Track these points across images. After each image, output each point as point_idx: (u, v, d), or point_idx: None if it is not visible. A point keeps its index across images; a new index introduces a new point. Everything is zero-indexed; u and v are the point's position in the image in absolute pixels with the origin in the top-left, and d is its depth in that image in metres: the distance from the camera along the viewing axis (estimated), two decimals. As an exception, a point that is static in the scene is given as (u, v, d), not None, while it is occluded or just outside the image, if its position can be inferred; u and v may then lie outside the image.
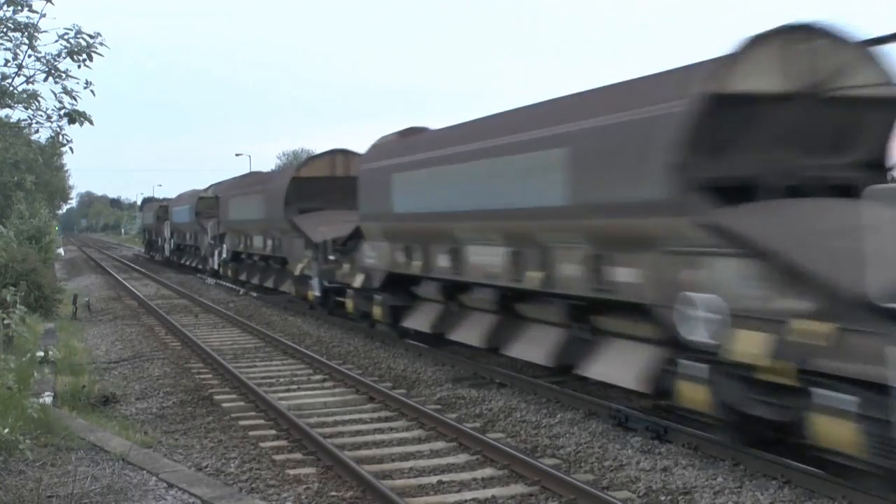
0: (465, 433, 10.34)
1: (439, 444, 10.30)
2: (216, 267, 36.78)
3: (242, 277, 32.65)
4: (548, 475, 8.62)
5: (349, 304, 19.73)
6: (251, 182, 32.32)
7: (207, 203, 39.39)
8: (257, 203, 28.23)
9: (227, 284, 34.21)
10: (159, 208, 56.25)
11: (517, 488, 8.59)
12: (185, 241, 46.13)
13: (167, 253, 52.16)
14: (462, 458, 9.73)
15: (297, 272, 23.58)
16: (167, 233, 51.45)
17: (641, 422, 10.49)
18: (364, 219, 18.18)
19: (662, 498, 8.23)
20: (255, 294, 29.86)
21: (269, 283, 28.76)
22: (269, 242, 27.47)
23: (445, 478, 8.92)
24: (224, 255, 34.89)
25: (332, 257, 20.71)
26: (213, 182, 42.21)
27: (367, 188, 17.91)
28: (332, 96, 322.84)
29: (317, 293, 22.11)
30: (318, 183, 25.04)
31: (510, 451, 9.40)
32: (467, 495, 8.40)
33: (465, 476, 9.01)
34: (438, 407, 12.28)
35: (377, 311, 17.82)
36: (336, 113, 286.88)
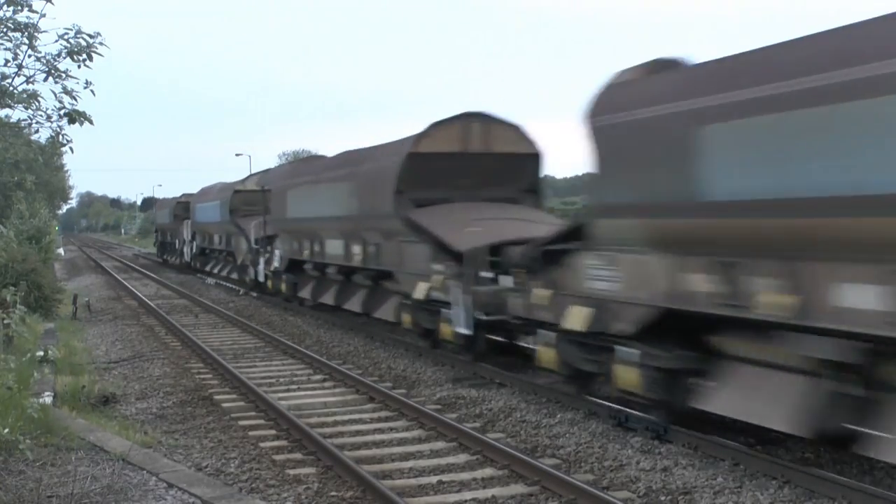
0: (465, 433, 10.34)
1: (439, 444, 10.30)
2: (261, 279, 28.67)
3: (304, 294, 24.40)
4: (548, 475, 8.62)
5: (546, 354, 12.26)
6: (326, 166, 23.04)
7: (246, 198, 32.51)
8: (340, 193, 20.19)
9: (228, 285, 34.01)
10: (177, 205, 48.51)
11: (517, 488, 8.60)
12: (213, 245, 38.47)
13: (187, 258, 44.51)
14: (462, 458, 9.73)
15: (418, 295, 16.03)
16: (187, 234, 43.93)
17: (641, 422, 10.47)
18: (603, 212, 10.79)
19: (662, 498, 8.24)
20: (254, 294, 29.82)
21: (353, 306, 20.54)
22: (358, 248, 19.39)
23: (445, 478, 8.92)
24: (276, 264, 26.69)
25: (487, 275, 14.16)
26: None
27: (615, 156, 10.49)
28: (333, 96, 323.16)
29: (463, 330, 14.49)
30: (443, 162, 17.04)
31: (510, 451, 9.40)
32: (467, 495, 8.41)
33: (465, 476, 9.02)
34: (438, 407, 12.28)
35: (628, 376, 10.35)
36: (337, 113, 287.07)
